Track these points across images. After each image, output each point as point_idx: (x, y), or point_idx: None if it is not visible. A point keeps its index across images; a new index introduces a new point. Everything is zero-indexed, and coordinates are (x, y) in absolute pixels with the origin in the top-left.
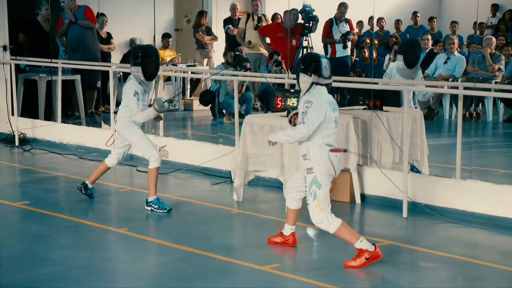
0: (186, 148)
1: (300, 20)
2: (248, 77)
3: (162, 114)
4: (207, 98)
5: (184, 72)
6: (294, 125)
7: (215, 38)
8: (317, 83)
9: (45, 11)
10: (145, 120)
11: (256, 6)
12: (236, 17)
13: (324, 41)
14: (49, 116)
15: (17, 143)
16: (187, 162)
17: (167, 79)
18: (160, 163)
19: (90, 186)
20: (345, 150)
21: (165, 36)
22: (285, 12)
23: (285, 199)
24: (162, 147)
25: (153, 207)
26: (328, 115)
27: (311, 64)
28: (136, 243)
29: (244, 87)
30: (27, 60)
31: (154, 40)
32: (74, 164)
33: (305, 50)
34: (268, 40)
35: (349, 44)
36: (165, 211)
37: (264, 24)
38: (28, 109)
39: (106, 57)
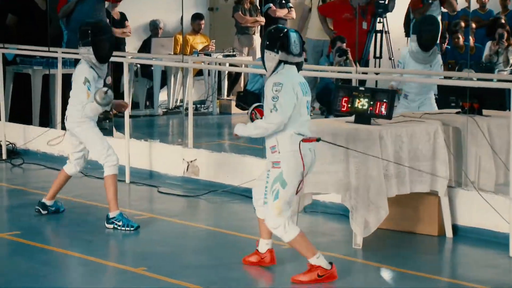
0: (222, 163)
1: None
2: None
3: (126, 103)
4: (246, 100)
5: (219, 64)
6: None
7: (260, 20)
8: (286, 62)
9: None
10: (95, 114)
11: None
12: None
13: (415, 16)
14: (46, 121)
15: (4, 156)
16: (224, 182)
17: (198, 72)
18: (117, 168)
19: (49, 203)
20: (318, 139)
21: (196, 17)
22: None
23: (352, 231)
24: (190, 162)
25: (116, 224)
26: (300, 98)
27: (278, 39)
28: (155, 285)
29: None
30: (17, 49)
31: (182, 23)
32: (77, 183)
33: (379, 35)
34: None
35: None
36: (132, 228)
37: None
38: (19, 112)
39: (119, 44)
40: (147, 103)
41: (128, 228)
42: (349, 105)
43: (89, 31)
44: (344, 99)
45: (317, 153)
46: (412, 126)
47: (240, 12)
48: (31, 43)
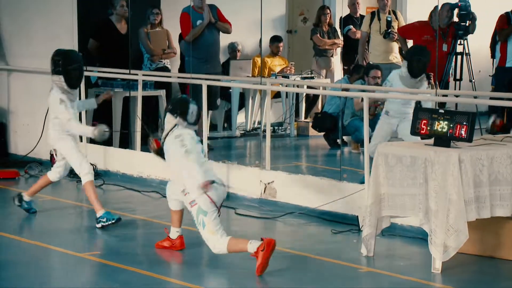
0: (300, 185)
1: (454, 19)
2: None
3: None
4: (323, 123)
5: (297, 86)
6: (153, 149)
7: (338, 42)
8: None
9: (121, 8)
10: (79, 134)
11: (385, 1)
12: (358, 15)
13: (501, 37)
14: (126, 142)
15: None
16: (301, 204)
17: (276, 95)
18: (93, 175)
19: (26, 198)
20: (212, 182)
21: (275, 39)
22: (435, 7)
23: (431, 255)
24: (268, 183)
25: (102, 222)
26: (198, 145)
27: (178, 107)
28: None
29: (381, 107)
30: (99, 71)
31: (260, 45)
32: (156, 204)
33: (459, 57)
34: (410, 43)
35: None
36: (113, 221)
37: (395, 25)
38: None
39: None
40: (225, 125)
41: (111, 221)
42: (429, 128)
43: (60, 61)
44: (423, 121)
45: (396, 176)
46: (492, 149)
47: (318, 35)
48: (111, 66)
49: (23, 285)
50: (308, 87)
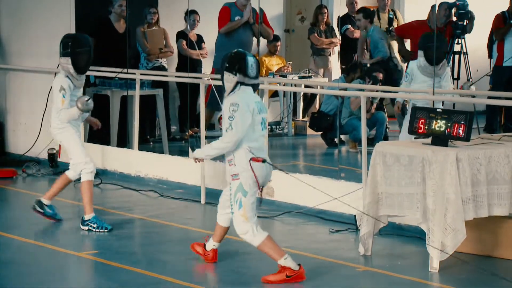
0: (297, 184)
1: (452, 18)
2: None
3: (98, 122)
4: (320, 122)
5: (295, 85)
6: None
7: (336, 41)
8: (242, 83)
9: (118, 8)
10: (69, 120)
11: (385, 0)
12: (356, 14)
13: (497, 37)
14: (123, 141)
15: None
16: (299, 203)
17: (274, 94)
18: (93, 175)
19: (46, 202)
20: (263, 161)
21: (273, 39)
22: (433, 6)
23: (429, 254)
24: None
25: (91, 226)
26: (255, 116)
27: (236, 62)
28: None
29: (375, 105)
30: (96, 71)
31: (258, 45)
32: (154, 203)
33: (457, 56)
34: (408, 43)
35: None
36: (106, 230)
37: (394, 24)
38: (98, 133)
39: (195, 66)
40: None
41: (102, 230)
42: (426, 127)
43: (69, 43)
44: (421, 120)
45: (394, 175)
46: (490, 148)
47: (315, 34)
48: (109, 65)
49: (21, 284)
50: (306, 86)
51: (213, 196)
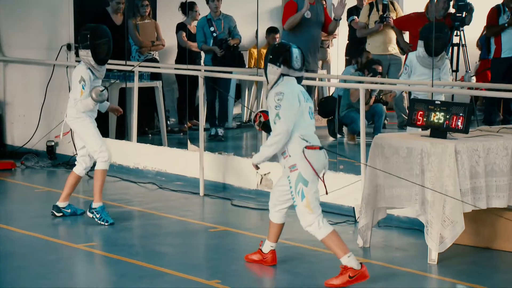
0: None
1: (451, 9)
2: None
3: (120, 108)
4: (329, 107)
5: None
6: (260, 123)
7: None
8: (286, 75)
9: (116, 5)
10: (85, 110)
11: None
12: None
13: (489, 33)
14: (122, 133)
15: None
16: None
17: None
18: (109, 165)
19: (62, 205)
20: (321, 148)
21: (271, 31)
22: None
23: (427, 246)
24: (264, 175)
25: (95, 215)
26: (302, 104)
27: (280, 54)
28: None
29: (373, 98)
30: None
31: (257, 37)
32: (153, 195)
33: (455, 48)
34: (407, 36)
35: None
36: (106, 223)
37: (393, 15)
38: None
39: (194, 58)
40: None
41: (104, 222)
42: (425, 119)
43: (88, 35)
44: (420, 112)
45: (392, 167)
46: (489, 140)
47: None
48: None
49: (20, 276)
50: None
51: (211, 188)
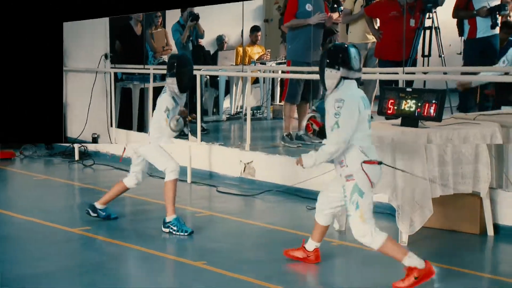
0: (277, 164)
1: None
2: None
3: (186, 111)
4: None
5: (272, 72)
6: (313, 131)
7: None
8: (346, 78)
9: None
10: (169, 137)
11: None
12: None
13: (455, 16)
14: (142, 126)
15: (77, 157)
16: (278, 182)
17: (255, 80)
18: (178, 174)
19: (99, 207)
20: (379, 163)
21: (254, 29)
22: None
23: (398, 229)
24: (247, 163)
25: (171, 228)
26: (362, 113)
27: (338, 55)
28: (215, 278)
29: None
30: (122, 68)
31: (242, 36)
32: (143, 182)
33: (427, 31)
34: (378, 23)
35: (499, 21)
36: (186, 233)
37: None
38: (123, 120)
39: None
40: (214, 110)
41: (182, 233)
42: (396, 107)
43: (175, 63)
44: (391, 101)
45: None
46: (465, 128)
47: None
48: (131, 62)
49: (16, 258)
50: (283, 72)
51: (198, 176)
